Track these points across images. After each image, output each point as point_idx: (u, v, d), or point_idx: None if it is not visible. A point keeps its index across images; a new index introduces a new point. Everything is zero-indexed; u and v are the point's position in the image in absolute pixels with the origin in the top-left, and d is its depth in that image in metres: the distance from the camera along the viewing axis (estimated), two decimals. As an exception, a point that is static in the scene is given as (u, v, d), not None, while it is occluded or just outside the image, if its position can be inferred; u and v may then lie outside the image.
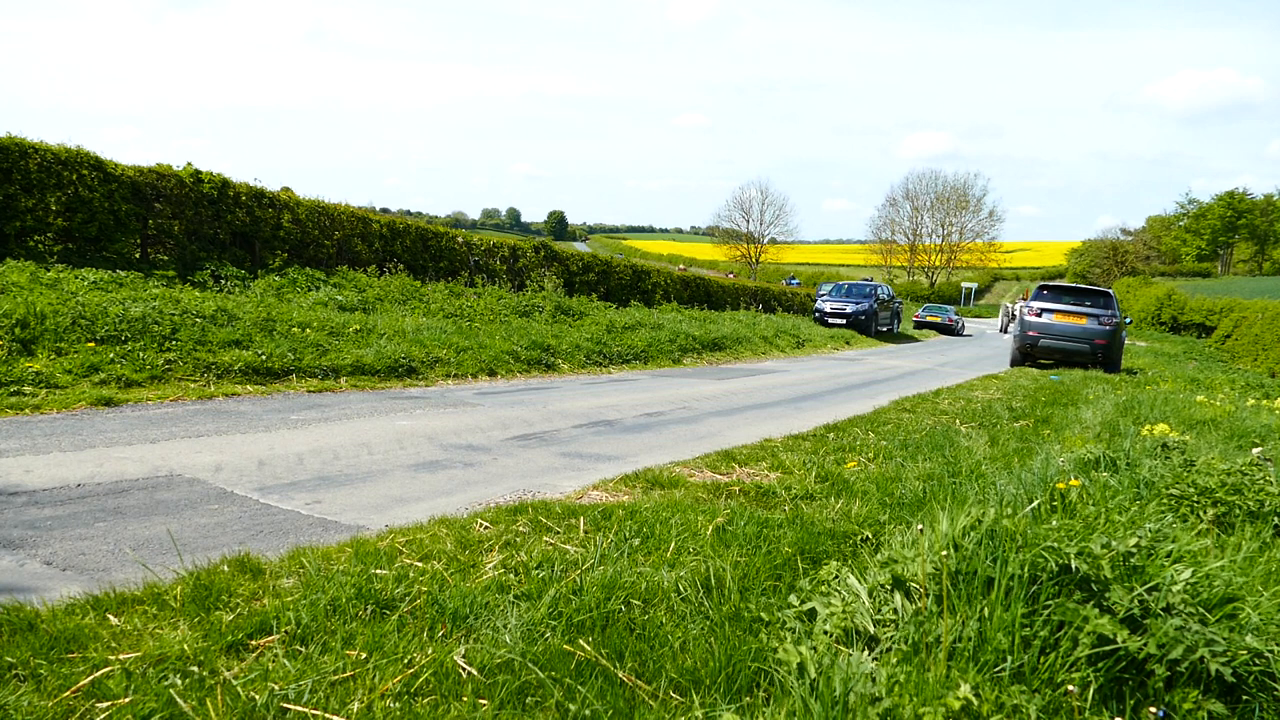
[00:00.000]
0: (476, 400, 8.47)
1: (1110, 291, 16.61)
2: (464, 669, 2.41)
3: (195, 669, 2.32)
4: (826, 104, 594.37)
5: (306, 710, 2.17)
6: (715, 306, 28.08)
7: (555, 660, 2.48)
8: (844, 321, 26.68)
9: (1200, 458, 4.70)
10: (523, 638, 2.61)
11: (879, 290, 29.39)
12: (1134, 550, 2.49)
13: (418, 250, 17.63)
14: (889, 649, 2.47)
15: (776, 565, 3.34)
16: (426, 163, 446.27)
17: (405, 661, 2.43)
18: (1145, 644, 2.18)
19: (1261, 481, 3.78)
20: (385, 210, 64.75)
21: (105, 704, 2.13)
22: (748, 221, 76.21)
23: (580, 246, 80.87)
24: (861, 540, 3.77)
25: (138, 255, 12.62)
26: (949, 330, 36.71)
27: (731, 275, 47.01)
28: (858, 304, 27.11)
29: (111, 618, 2.63)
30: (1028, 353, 16.64)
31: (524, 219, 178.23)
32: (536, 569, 3.17)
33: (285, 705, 2.18)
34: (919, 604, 2.57)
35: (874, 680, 2.18)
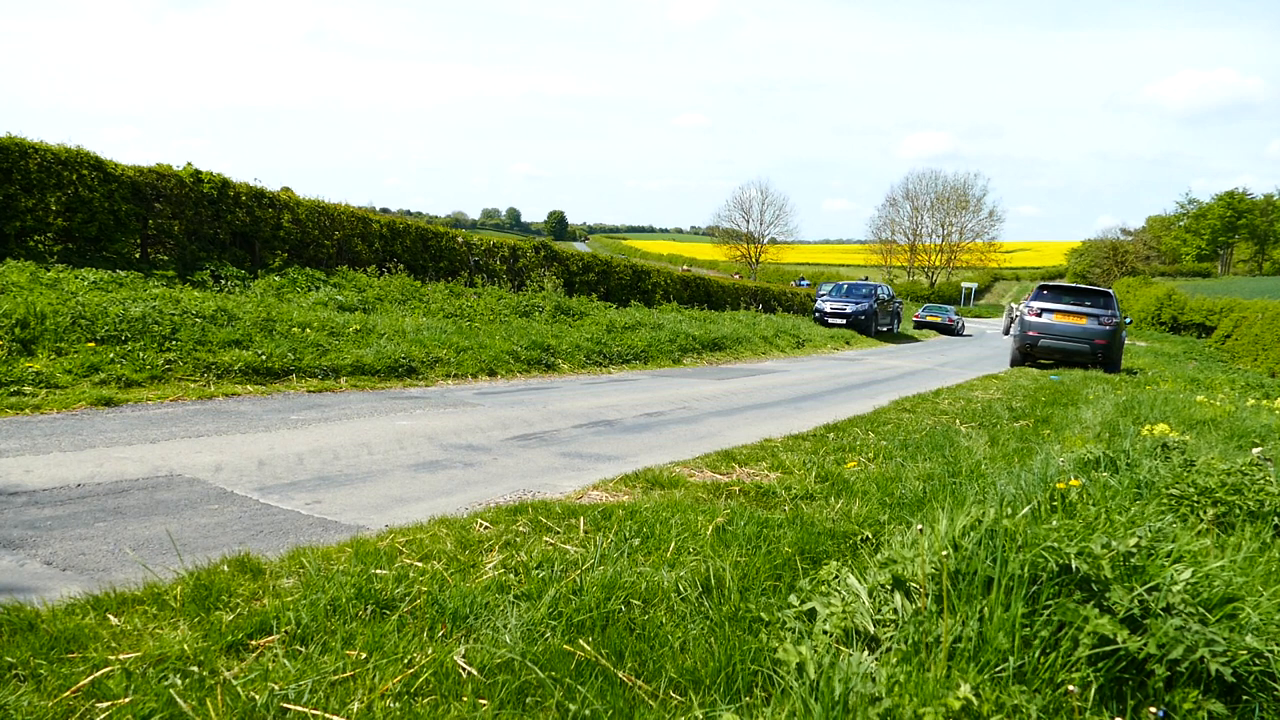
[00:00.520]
0: (476, 400, 8.47)
1: (1110, 291, 16.60)
2: (464, 669, 2.41)
3: (195, 669, 2.32)
4: (826, 104, 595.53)
5: (306, 710, 2.17)
6: (715, 306, 28.08)
7: (555, 660, 2.48)
8: (844, 321, 26.69)
9: (1200, 458, 4.70)
10: (523, 638, 2.61)
11: (879, 290, 29.39)
12: (1134, 550, 2.49)
13: (418, 250, 17.63)
14: (889, 649, 2.47)
15: (776, 565, 3.34)
16: (426, 163, 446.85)
17: (405, 661, 2.43)
18: (1145, 644, 2.18)
19: (1261, 481, 3.78)
20: (385, 210, 64.79)
21: (105, 704, 2.13)
22: (748, 221, 76.25)
23: (580, 246, 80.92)
24: (861, 540, 3.77)
25: (138, 255, 12.62)
26: (949, 330, 36.71)
27: (738, 276, 47.06)
28: (858, 304, 27.12)
29: (111, 618, 2.63)
30: (1028, 353, 16.63)
31: (524, 219, 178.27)
32: (536, 569, 3.17)
33: (285, 705, 2.18)
34: (919, 604, 2.57)
35: (874, 680, 2.17)
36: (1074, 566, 2.42)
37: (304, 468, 5.15)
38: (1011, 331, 20.62)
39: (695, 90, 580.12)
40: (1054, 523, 2.83)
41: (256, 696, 2.19)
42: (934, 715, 2.00)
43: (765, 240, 77.15)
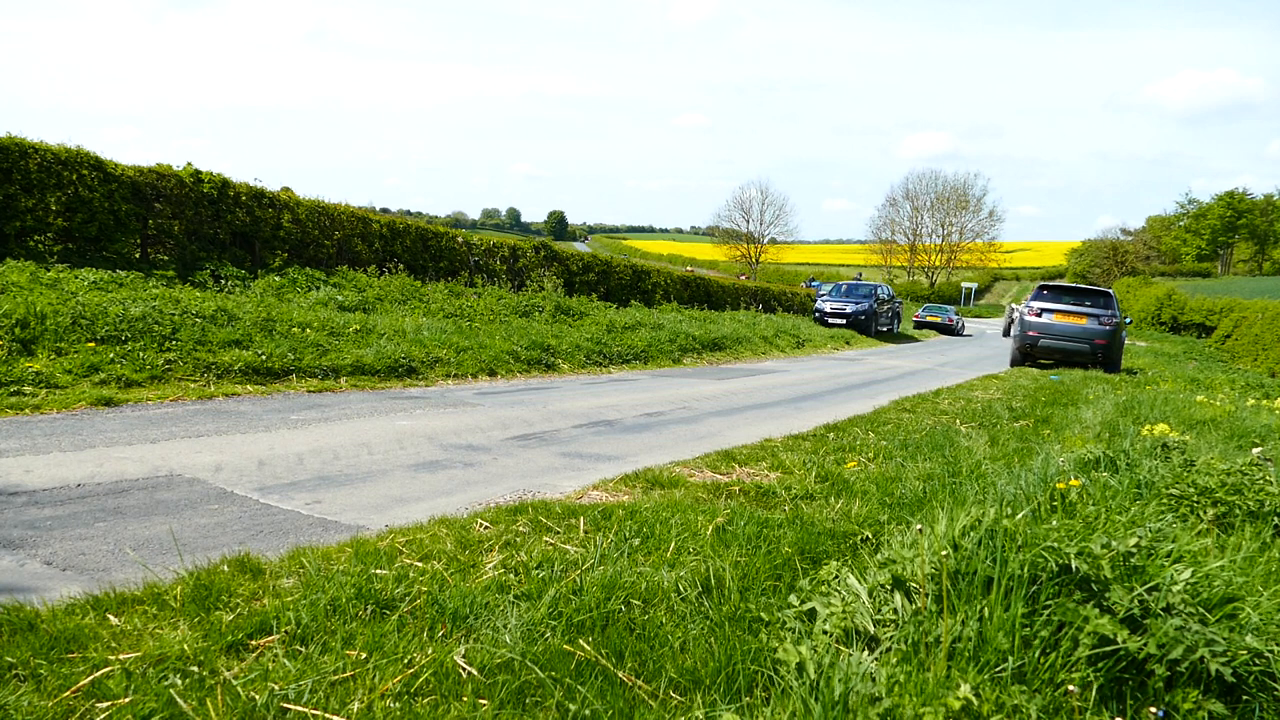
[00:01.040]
0: (476, 400, 8.47)
1: (1110, 291, 16.59)
2: (464, 669, 2.41)
3: (195, 669, 2.32)
4: (826, 104, 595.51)
5: (306, 710, 2.17)
6: (715, 306, 28.08)
7: (555, 660, 2.48)
8: (844, 321, 26.69)
9: (1200, 458, 4.70)
10: (523, 638, 2.61)
11: (879, 290, 29.39)
12: (1134, 550, 2.49)
13: (418, 250, 17.63)
14: (889, 649, 2.47)
15: (776, 565, 3.34)
16: (426, 163, 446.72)
17: (405, 661, 2.43)
18: (1145, 644, 2.18)
19: (1261, 481, 3.78)
20: (385, 210, 64.77)
21: (105, 704, 2.13)
22: (748, 221, 76.23)
23: (580, 246, 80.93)
24: (861, 540, 3.77)
25: (138, 255, 12.62)
26: (949, 330, 36.71)
27: (743, 277, 47.09)
28: (858, 304, 27.12)
29: (111, 618, 2.63)
30: (1028, 353, 16.63)
31: (524, 219, 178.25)
32: (536, 569, 3.17)
33: (285, 705, 2.18)
34: (919, 604, 2.57)
35: (874, 680, 2.18)
36: (1074, 566, 2.42)
37: (304, 468, 5.15)
38: (1011, 332, 20.62)
39: (695, 90, 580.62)
40: (1054, 523, 2.83)
41: (256, 696, 2.19)
42: (934, 715, 2.00)
43: (765, 240, 77.16)
